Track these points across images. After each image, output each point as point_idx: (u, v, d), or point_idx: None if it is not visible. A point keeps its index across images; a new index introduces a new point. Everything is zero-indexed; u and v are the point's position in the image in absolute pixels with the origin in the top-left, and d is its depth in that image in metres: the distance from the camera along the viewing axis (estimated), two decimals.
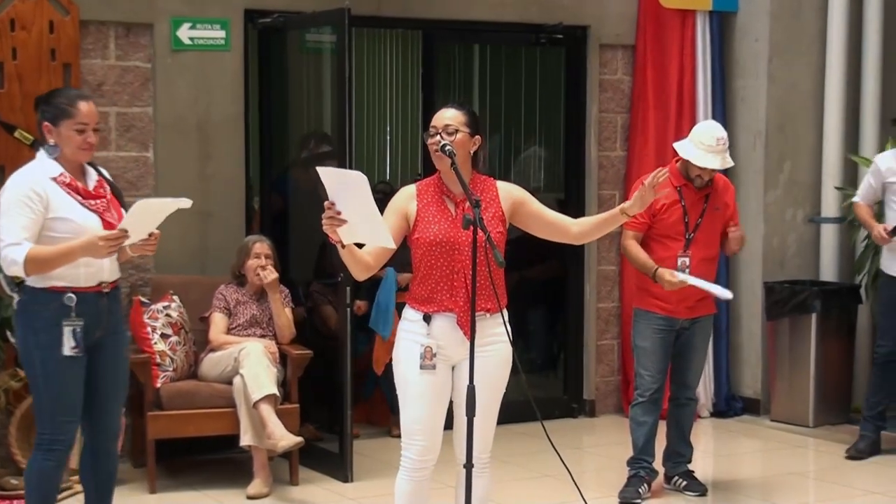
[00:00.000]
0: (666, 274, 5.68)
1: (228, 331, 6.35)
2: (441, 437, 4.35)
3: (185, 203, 4.55)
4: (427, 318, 4.25)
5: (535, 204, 4.44)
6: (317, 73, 7.49)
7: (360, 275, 4.24)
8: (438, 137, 4.25)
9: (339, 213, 3.95)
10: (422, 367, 4.23)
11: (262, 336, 6.35)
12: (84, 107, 4.50)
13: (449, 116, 4.29)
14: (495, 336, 4.29)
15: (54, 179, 4.43)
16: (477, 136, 4.33)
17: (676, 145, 5.87)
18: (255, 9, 6.84)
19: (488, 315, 4.25)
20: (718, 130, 5.78)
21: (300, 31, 7.36)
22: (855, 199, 6.90)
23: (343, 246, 4.06)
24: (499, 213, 4.32)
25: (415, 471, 4.33)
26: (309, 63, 7.68)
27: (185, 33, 6.63)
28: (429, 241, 4.24)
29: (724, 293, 5.84)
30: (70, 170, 4.50)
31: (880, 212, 6.82)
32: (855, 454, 6.76)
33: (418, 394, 4.26)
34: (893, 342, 6.70)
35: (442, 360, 4.27)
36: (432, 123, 4.32)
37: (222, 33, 6.72)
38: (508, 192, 4.39)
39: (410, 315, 4.31)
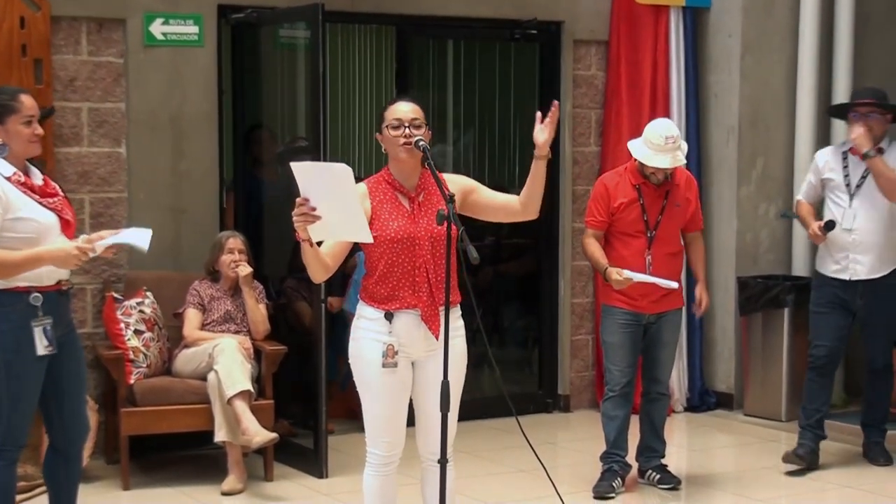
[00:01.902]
0: (613, 273, 5.71)
1: (202, 327, 6.33)
2: (405, 432, 4.35)
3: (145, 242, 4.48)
4: (388, 317, 4.23)
5: (484, 191, 4.44)
6: (290, 69, 7.47)
7: (320, 276, 4.20)
8: (407, 130, 4.23)
9: (313, 209, 3.92)
10: (384, 365, 4.21)
11: (237, 332, 6.34)
12: (26, 99, 4.49)
13: (412, 110, 4.27)
14: (454, 332, 4.27)
15: (8, 179, 4.37)
16: (429, 131, 4.34)
17: (630, 144, 5.90)
18: (228, 4, 6.82)
19: (452, 307, 4.25)
20: (668, 129, 5.75)
21: (274, 27, 7.34)
22: (798, 196, 6.68)
23: (311, 244, 4.03)
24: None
25: (382, 466, 4.34)
26: (282, 59, 7.65)
27: (157, 29, 6.60)
28: (388, 238, 4.20)
29: (670, 284, 5.82)
30: (19, 168, 4.45)
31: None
32: (793, 459, 6.37)
33: (382, 392, 4.25)
34: (830, 342, 6.37)
35: (403, 357, 4.25)
36: (395, 116, 4.26)
37: (195, 29, 6.69)
38: (456, 183, 4.37)
39: (369, 313, 4.27)
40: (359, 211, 3.96)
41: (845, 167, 6.32)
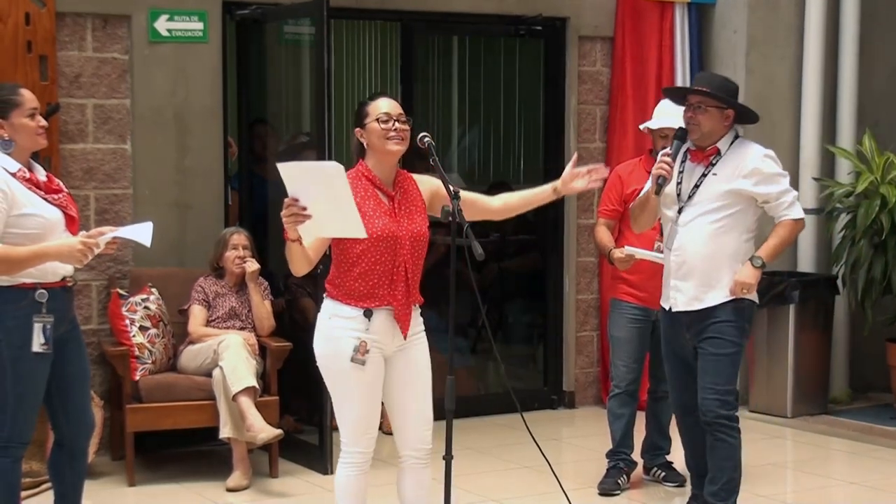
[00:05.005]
0: (616, 252, 5.72)
1: (207, 323, 6.34)
2: (378, 429, 4.36)
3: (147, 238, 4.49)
4: (368, 314, 4.19)
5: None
6: (295, 65, 7.47)
7: (303, 270, 4.18)
8: (396, 124, 4.20)
9: (303, 208, 3.91)
10: (352, 359, 4.17)
11: (242, 328, 6.34)
12: (26, 93, 4.50)
13: (398, 106, 4.27)
14: (419, 326, 4.32)
15: (13, 175, 4.36)
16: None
17: (642, 126, 6.00)
18: (233, 0, 6.82)
19: (417, 305, 4.29)
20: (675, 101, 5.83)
21: (278, 23, 7.34)
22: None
23: (301, 244, 4.03)
24: (422, 206, 4.31)
25: (362, 464, 4.31)
26: (287, 55, 7.65)
27: (162, 25, 6.61)
28: (373, 236, 4.15)
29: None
30: (24, 164, 4.44)
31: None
32: None
33: (361, 390, 4.22)
34: (676, 388, 5.35)
35: (377, 352, 4.22)
36: (384, 110, 4.23)
37: (200, 25, 6.69)
38: (428, 183, 4.37)
39: (346, 312, 4.22)
40: (353, 207, 3.94)
41: (680, 172, 5.12)
